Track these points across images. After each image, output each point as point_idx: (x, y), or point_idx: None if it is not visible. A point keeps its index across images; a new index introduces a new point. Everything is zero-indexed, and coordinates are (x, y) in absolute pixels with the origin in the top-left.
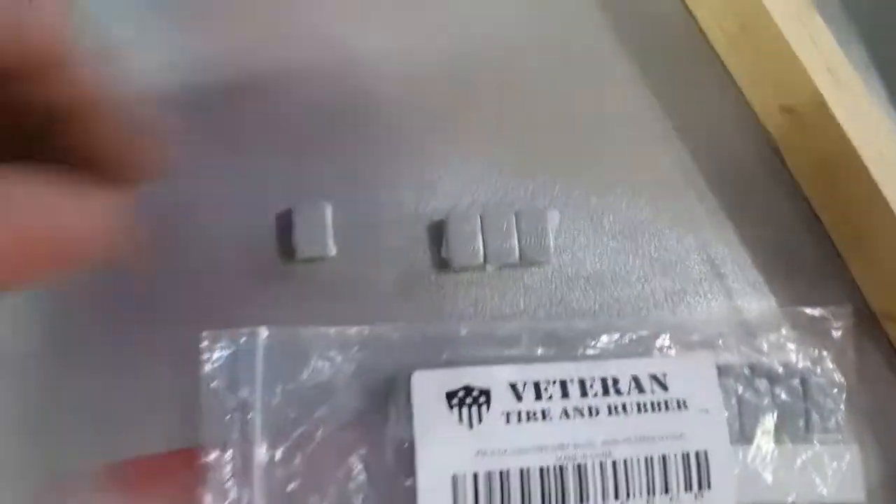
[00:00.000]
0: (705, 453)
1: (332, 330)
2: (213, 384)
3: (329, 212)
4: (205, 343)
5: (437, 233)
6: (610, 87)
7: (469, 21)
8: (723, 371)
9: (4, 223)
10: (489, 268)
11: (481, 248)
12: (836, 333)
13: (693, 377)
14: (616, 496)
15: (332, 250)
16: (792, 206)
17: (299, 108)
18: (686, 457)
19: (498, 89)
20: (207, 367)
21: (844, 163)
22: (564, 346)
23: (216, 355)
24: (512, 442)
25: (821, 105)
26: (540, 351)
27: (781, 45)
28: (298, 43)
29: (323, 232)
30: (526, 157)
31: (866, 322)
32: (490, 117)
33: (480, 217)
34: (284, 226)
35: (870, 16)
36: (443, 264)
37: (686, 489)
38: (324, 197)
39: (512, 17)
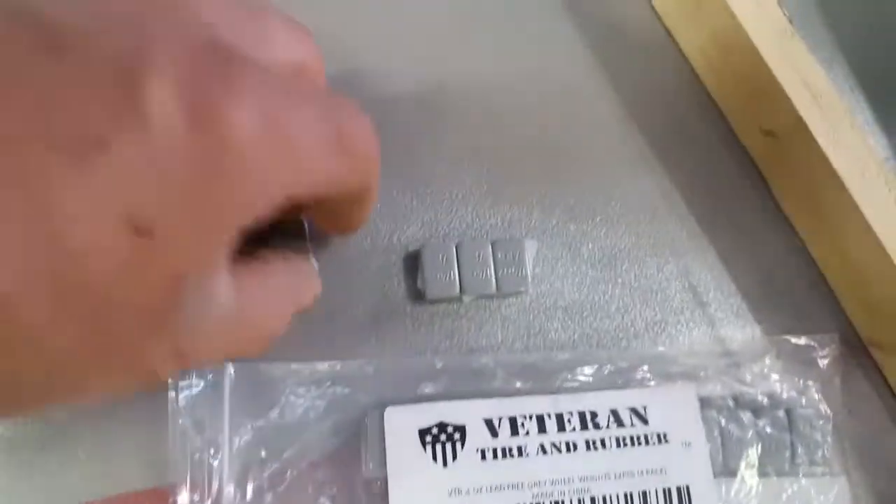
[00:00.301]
0: (687, 488)
1: (303, 366)
2: (181, 422)
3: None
4: (171, 380)
5: (413, 263)
6: (587, 112)
7: (444, 50)
8: (705, 403)
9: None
10: (465, 298)
11: (457, 278)
12: (823, 362)
13: (674, 410)
14: None
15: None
16: (776, 231)
17: None
18: (667, 492)
19: (473, 117)
20: (174, 405)
21: (826, 187)
22: (542, 379)
23: (183, 392)
24: (487, 479)
25: (801, 128)
26: (517, 384)
27: (761, 67)
28: None
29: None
30: (502, 185)
31: (854, 350)
32: (465, 145)
33: (456, 247)
34: None
35: (853, 34)
36: (418, 295)
37: None
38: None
39: (488, 45)
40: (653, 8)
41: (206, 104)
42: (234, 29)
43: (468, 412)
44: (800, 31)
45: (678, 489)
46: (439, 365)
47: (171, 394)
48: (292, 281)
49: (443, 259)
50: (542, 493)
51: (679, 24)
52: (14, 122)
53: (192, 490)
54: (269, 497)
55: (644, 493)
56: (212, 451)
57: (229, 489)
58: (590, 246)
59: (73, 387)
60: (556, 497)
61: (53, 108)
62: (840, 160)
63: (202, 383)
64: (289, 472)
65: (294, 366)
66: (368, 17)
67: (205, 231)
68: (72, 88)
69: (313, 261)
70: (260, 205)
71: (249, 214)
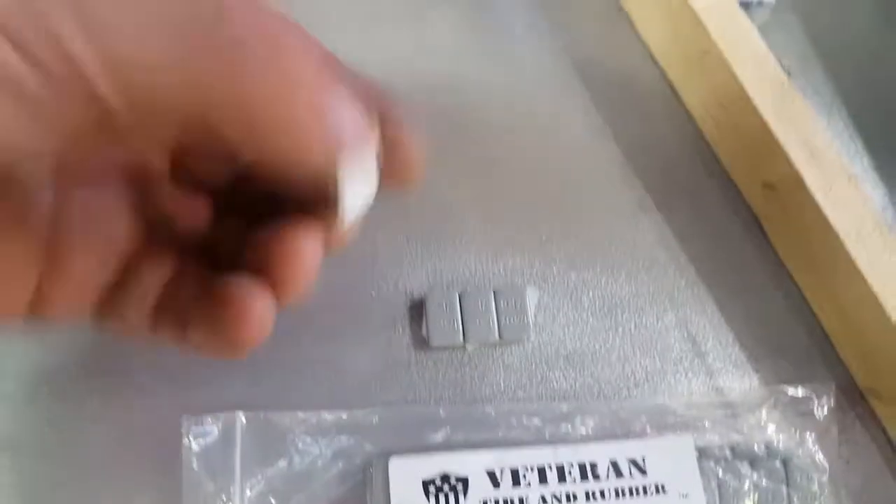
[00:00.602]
0: None
1: (310, 415)
2: (194, 468)
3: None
4: (184, 427)
5: (417, 311)
6: (590, 162)
7: (449, 99)
8: (703, 453)
9: None
10: (469, 347)
11: (461, 326)
12: (820, 413)
13: (672, 460)
14: None
15: None
16: (775, 282)
17: None
18: None
19: (477, 166)
20: (188, 453)
21: (823, 240)
22: (544, 430)
23: (196, 440)
24: None
25: (799, 183)
26: (519, 434)
27: (760, 122)
28: None
29: None
30: (505, 233)
31: (851, 399)
32: (469, 194)
33: (459, 295)
34: None
35: (852, 80)
36: (422, 343)
37: None
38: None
39: (493, 95)
40: (656, 62)
41: None
42: None
43: (471, 463)
44: (799, 78)
45: None
46: (443, 414)
47: (185, 441)
48: None
49: (446, 307)
50: None
51: (682, 78)
52: None
53: None
54: None
55: None
56: (224, 499)
57: None
58: (591, 294)
59: None
60: None
61: None
62: (836, 215)
63: (215, 431)
64: None
65: (301, 415)
66: (367, 68)
67: None
68: None
69: None
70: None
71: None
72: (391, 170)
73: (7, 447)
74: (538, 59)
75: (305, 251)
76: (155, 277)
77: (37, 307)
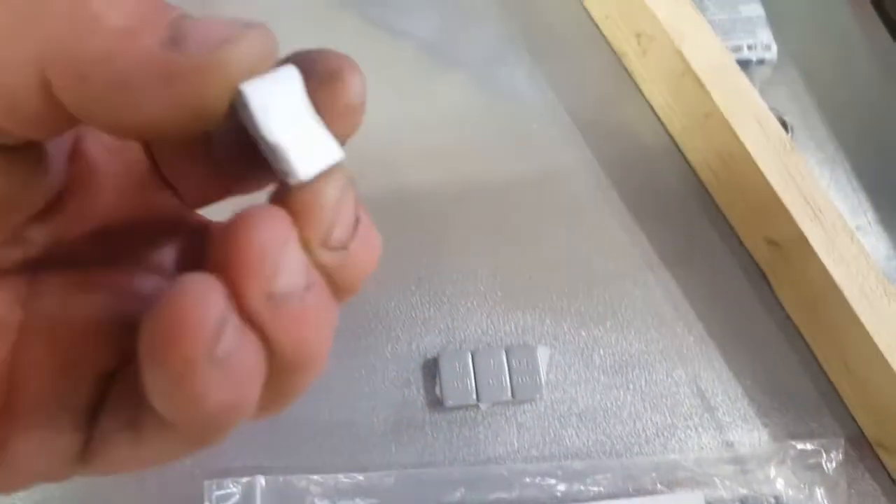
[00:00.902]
0: None
1: (327, 478)
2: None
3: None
4: (206, 491)
5: (431, 370)
6: (595, 220)
7: (452, 162)
8: None
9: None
10: (482, 406)
11: (474, 386)
12: (829, 466)
13: None
14: None
15: None
16: (782, 336)
17: None
18: None
19: (486, 228)
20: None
21: (828, 296)
22: (557, 488)
23: (217, 503)
24: None
25: (802, 241)
26: (533, 493)
27: (761, 181)
28: None
29: None
30: (515, 293)
31: (861, 452)
32: (478, 254)
33: (472, 354)
34: None
35: (854, 134)
36: (436, 403)
37: None
38: None
39: (499, 157)
40: (659, 120)
41: None
42: None
43: None
44: (801, 133)
45: None
46: (458, 475)
47: (206, 503)
48: None
49: (460, 367)
50: None
51: (684, 136)
52: None
53: None
54: None
55: None
56: None
57: None
58: (601, 352)
59: None
60: None
61: None
62: (840, 274)
63: (236, 495)
64: None
65: (318, 478)
66: (379, 132)
67: None
68: None
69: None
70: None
71: None
72: (326, 109)
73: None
74: (544, 118)
75: (259, 231)
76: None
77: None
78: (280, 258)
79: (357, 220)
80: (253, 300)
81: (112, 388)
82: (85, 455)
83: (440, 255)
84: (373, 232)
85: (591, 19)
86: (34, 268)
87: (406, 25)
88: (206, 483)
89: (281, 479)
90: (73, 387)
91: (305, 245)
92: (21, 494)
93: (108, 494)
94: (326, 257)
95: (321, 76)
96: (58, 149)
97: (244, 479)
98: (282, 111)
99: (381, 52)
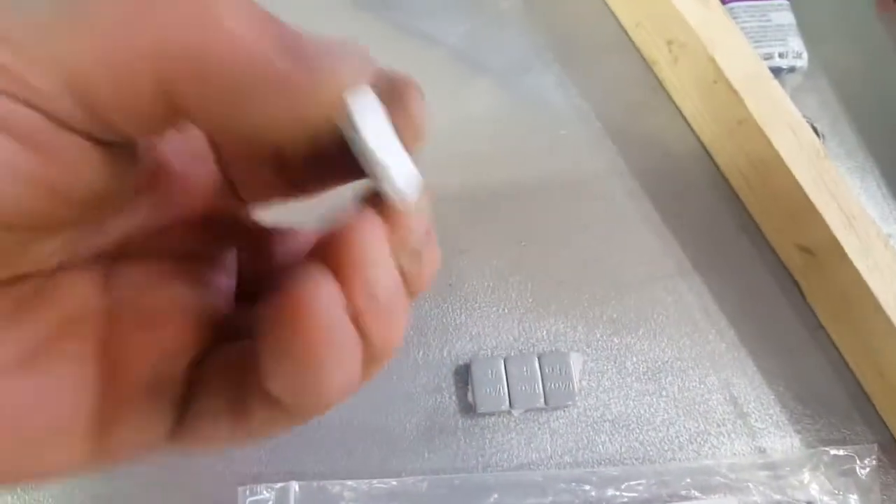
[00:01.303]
0: None
1: (360, 483)
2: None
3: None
4: (241, 497)
5: (463, 377)
6: (628, 227)
7: (482, 169)
8: None
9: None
10: (515, 412)
11: (507, 392)
12: (862, 472)
13: None
14: None
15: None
16: (814, 343)
17: None
18: None
19: (516, 233)
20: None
21: (862, 302)
22: (591, 495)
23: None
24: None
25: (837, 248)
26: (567, 499)
27: (795, 188)
28: None
29: None
30: (547, 300)
31: (893, 457)
32: (509, 260)
33: (504, 361)
34: None
35: (883, 141)
36: (469, 409)
37: None
38: None
39: (529, 161)
40: (691, 127)
41: None
42: None
43: None
44: (832, 141)
45: None
46: (491, 481)
47: None
48: None
49: (492, 374)
50: None
51: (715, 142)
52: None
53: None
54: None
55: None
56: None
57: None
58: (634, 359)
59: None
60: None
61: None
62: (875, 281)
63: (270, 500)
64: None
65: (351, 483)
66: None
67: None
68: None
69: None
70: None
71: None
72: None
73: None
74: (573, 125)
75: (366, 239)
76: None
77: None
78: (381, 263)
79: (428, 230)
80: (358, 297)
81: (204, 371)
82: (177, 433)
83: (470, 262)
84: (435, 239)
85: (622, 27)
86: (109, 258)
87: (435, 31)
88: (240, 489)
89: (315, 484)
90: (169, 370)
91: (394, 251)
92: (56, 495)
93: (143, 499)
94: (407, 262)
95: (390, 97)
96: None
97: (278, 485)
98: (378, 128)
99: (410, 58)
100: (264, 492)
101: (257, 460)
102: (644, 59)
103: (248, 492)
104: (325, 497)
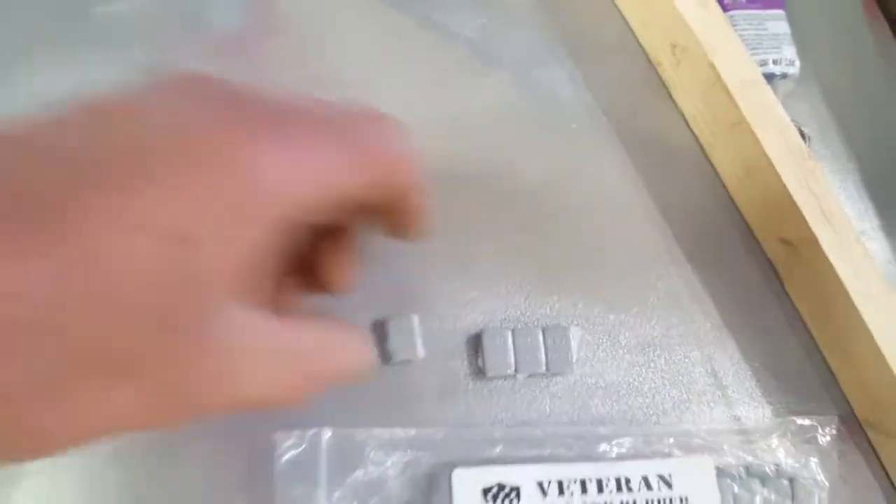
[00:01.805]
0: None
1: (384, 431)
2: (285, 477)
3: (416, 321)
4: (277, 441)
5: (474, 345)
6: (626, 217)
7: (495, 155)
8: (721, 472)
9: (297, 371)
10: (519, 377)
11: (513, 359)
12: (823, 440)
13: (695, 477)
14: None
15: (422, 352)
16: (789, 326)
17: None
18: None
19: (527, 219)
20: (279, 462)
21: (833, 291)
22: (585, 449)
23: (287, 452)
24: None
25: (813, 241)
26: (563, 451)
27: (780, 186)
28: None
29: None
30: (551, 280)
31: (851, 428)
32: (519, 245)
33: (511, 332)
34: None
35: (866, 147)
36: (479, 372)
37: None
38: (386, 313)
39: (537, 152)
40: (689, 127)
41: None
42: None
43: (523, 475)
44: (818, 143)
45: None
46: (497, 434)
47: (278, 453)
48: (315, 349)
49: (500, 343)
50: None
51: (712, 143)
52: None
53: None
54: None
55: None
56: (313, 498)
57: None
58: (627, 334)
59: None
60: None
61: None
62: (845, 272)
63: (303, 445)
64: None
65: (377, 431)
66: (421, 127)
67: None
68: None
69: (364, 335)
70: (273, 216)
71: (266, 226)
72: (399, 222)
73: (111, 463)
74: (583, 120)
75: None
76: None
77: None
78: None
79: None
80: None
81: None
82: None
83: (482, 245)
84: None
85: (629, 27)
86: None
87: (451, 24)
88: (277, 434)
89: (344, 430)
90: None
91: None
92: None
93: (179, 446)
94: None
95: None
96: None
97: (311, 431)
98: None
99: (424, 49)
100: (297, 439)
101: (292, 409)
102: (649, 60)
103: (280, 439)
104: (353, 443)
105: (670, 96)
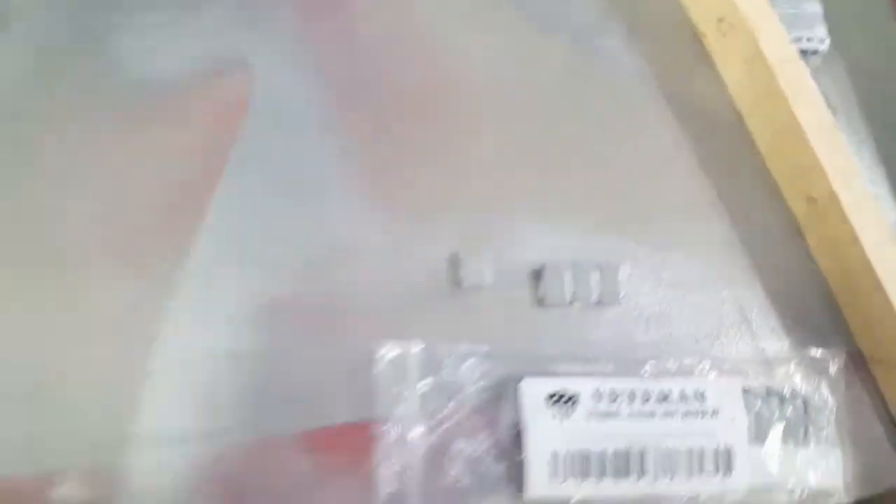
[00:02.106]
0: (729, 448)
1: (462, 346)
2: (384, 377)
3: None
4: (378, 348)
5: (536, 276)
6: (674, 174)
7: (553, 115)
8: (746, 391)
9: None
10: (575, 306)
11: (569, 290)
12: (832, 369)
13: (724, 394)
14: (665, 473)
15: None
16: (808, 271)
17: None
18: (716, 450)
19: (582, 174)
20: (379, 365)
21: (848, 242)
22: (631, 368)
23: (386, 357)
24: (593, 432)
25: (835, 201)
26: (613, 369)
27: (808, 150)
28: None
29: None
30: (607, 223)
31: (857, 362)
32: (574, 193)
33: (569, 266)
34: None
35: (883, 124)
36: (540, 302)
37: (715, 472)
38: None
39: (593, 113)
40: (728, 92)
41: None
42: None
43: (581, 385)
44: (841, 116)
45: (725, 449)
46: (557, 353)
47: (377, 356)
48: None
49: (559, 275)
50: (630, 444)
51: (750, 111)
52: None
53: (389, 425)
54: (441, 432)
55: (701, 449)
56: (405, 397)
57: (415, 425)
58: (669, 272)
59: None
60: (641, 447)
61: None
62: (860, 225)
63: (398, 351)
64: (455, 416)
65: (456, 345)
66: (477, 89)
67: None
68: None
69: None
70: None
71: None
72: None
73: (225, 364)
74: (634, 83)
75: None
76: None
77: None
78: None
79: None
80: None
81: None
82: None
83: (547, 189)
84: None
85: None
86: None
87: None
88: (381, 342)
89: (429, 343)
90: None
91: None
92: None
93: (280, 358)
94: None
95: None
96: None
97: (404, 341)
98: None
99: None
100: (393, 347)
101: (392, 320)
102: (696, 32)
103: (380, 346)
104: (437, 354)
105: (714, 67)
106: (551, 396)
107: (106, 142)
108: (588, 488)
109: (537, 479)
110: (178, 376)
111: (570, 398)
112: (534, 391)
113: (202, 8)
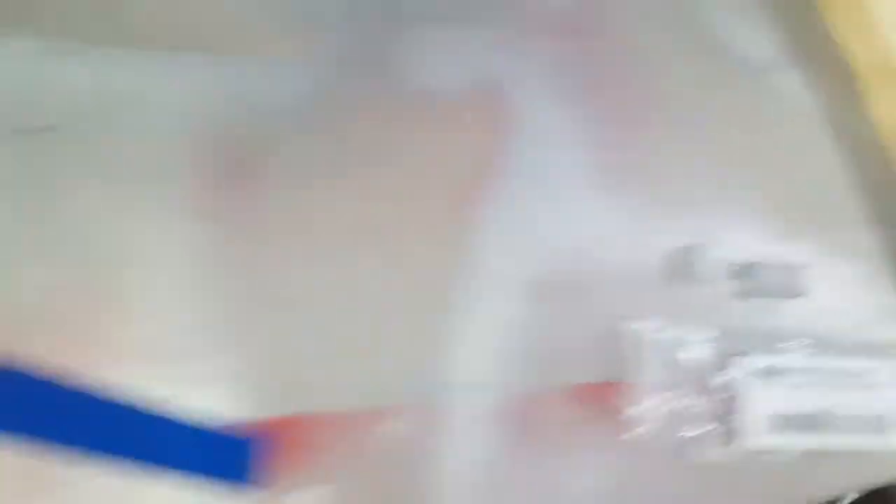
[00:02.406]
0: None
1: (690, 324)
2: (630, 347)
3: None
4: (624, 322)
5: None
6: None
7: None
8: None
9: None
10: (776, 298)
11: (770, 284)
12: None
13: None
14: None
15: None
16: None
17: None
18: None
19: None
20: (626, 337)
21: None
22: (825, 349)
23: (631, 330)
24: (798, 398)
25: None
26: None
27: None
28: None
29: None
30: (799, 225)
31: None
32: (779, 196)
33: (770, 263)
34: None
35: None
36: (745, 295)
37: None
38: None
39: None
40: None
41: None
42: None
43: (788, 361)
44: None
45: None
46: (767, 335)
47: (621, 329)
48: None
49: (764, 269)
50: (826, 406)
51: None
52: None
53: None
54: (676, 393)
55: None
56: (647, 361)
57: (656, 387)
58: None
59: None
60: (833, 409)
61: None
62: None
63: (639, 323)
64: (685, 383)
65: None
66: None
67: None
68: None
69: None
70: None
71: None
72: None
73: (510, 328)
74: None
75: None
76: None
77: None
78: None
79: None
80: None
81: None
82: None
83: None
84: None
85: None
86: None
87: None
88: (629, 323)
89: (662, 324)
90: None
91: None
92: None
93: (548, 325)
94: None
95: None
96: None
97: (644, 324)
98: None
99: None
100: (637, 322)
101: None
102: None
103: (626, 321)
104: (667, 330)
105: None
106: (764, 369)
107: (395, 141)
108: (791, 441)
109: (752, 433)
110: (480, 338)
111: (779, 371)
112: (749, 365)
113: (473, 29)
